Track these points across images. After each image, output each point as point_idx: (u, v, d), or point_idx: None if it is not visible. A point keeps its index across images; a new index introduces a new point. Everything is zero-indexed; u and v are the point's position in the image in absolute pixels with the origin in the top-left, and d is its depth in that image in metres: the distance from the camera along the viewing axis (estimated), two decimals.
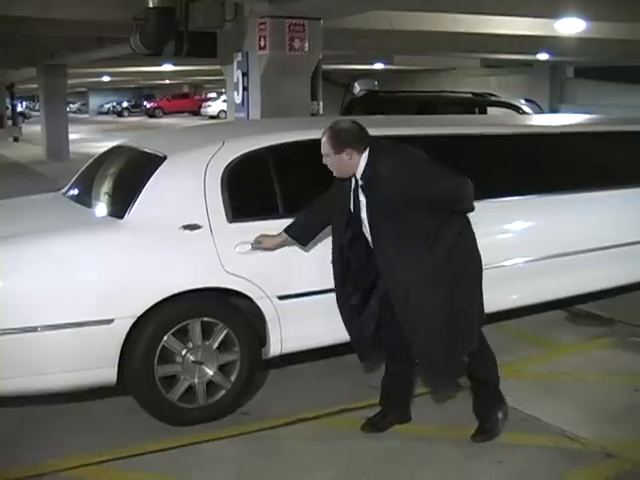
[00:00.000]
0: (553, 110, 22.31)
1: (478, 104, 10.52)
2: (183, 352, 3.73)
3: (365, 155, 3.31)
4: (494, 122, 6.33)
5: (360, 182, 3.34)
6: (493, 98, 11.21)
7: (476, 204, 3.43)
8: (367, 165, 3.30)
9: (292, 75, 7.49)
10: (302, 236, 3.76)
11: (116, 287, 3.55)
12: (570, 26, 11.23)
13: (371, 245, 3.42)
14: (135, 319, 3.55)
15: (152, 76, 31.09)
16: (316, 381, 4.01)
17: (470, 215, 3.44)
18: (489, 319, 3.75)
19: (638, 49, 13.74)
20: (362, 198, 3.36)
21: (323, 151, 3.34)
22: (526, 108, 11.26)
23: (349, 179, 3.41)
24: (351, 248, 3.50)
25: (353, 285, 3.55)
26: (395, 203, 3.22)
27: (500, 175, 4.68)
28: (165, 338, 3.65)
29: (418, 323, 3.32)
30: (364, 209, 3.36)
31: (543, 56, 17.56)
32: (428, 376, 3.68)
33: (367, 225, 3.37)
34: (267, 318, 3.88)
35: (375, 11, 9.20)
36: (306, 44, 7.46)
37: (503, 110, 10.69)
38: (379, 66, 23.93)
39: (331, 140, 3.31)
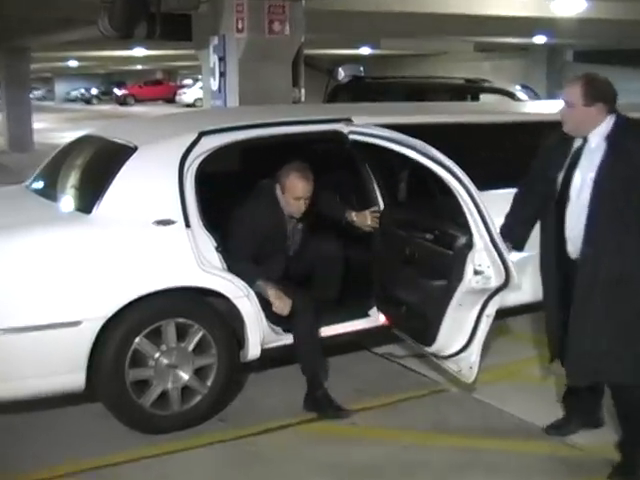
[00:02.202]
0: (551, 96, 22.45)
1: (470, 91, 10.57)
2: (156, 355, 3.74)
3: (611, 118, 3.24)
4: (486, 110, 6.38)
5: (598, 144, 3.22)
6: (486, 84, 11.27)
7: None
8: (615, 127, 3.22)
9: (272, 60, 7.48)
10: (523, 241, 3.65)
11: (84, 287, 3.54)
12: (569, 6, 11.28)
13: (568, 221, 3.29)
14: (105, 321, 3.55)
15: (123, 61, 30.97)
16: (299, 384, 4.03)
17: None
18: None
19: None
20: (586, 162, 3.25)
21: (567, 98, 3.26)
22: (522, 95, 11.33)
23: (571, 140, 3.32)
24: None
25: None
26: (629, 178, 3.12)
27: (491, 166, 4.72)
28: (137, 340, 3.66)
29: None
30: (583, 174, 3.24)
31: (540, 39, 17.65)
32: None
33: (584, 195, 3.21)
34: (246, 318, 3.90)
35: None
36: (287, 27, 7.45)
37: (497, 97, 10.74)
38: (365, 51, 23.98)
39: (584, 89, 3.21)
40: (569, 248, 3.34)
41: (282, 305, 3.90)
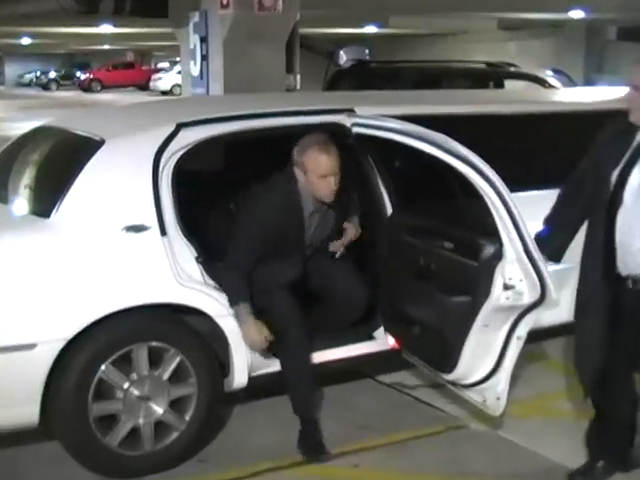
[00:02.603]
0: (589, 82, 22.52)
1: (493, 76, 10.64)
2: (125, 385, 3.73)
3: None
4: (513, 99, 6.40)
5: None
6: (512, 69, 11.34)
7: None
8: None
9: (262, 41, 7.53)
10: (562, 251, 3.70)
11: (40, 303, 3.55)
12: None
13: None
14: (64, 343, 3.55)
15: (87, 40, 31.02)
16: (292, 418, 4.03)
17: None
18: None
19: None
20: None
21: (636, 81, 3.27)
22: (553, 81, 11.39)
23: (633, 133, 3.33)
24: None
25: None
26: None
27: (520, 164, 4.76)
28: (102, 368, 3.65)
29: None
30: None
31: (577, 14, 17.64)
32: None
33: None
34: (230, 341, 3.91)
35: None
36: (279, 2, 7.51)
37: (524, 83, 10.80)
38: (371, 30, 24.10)
39: None
40: (618, 263, 3.33)
41: (253, 341, 3.88)
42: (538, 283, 3.60)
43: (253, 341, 3.87)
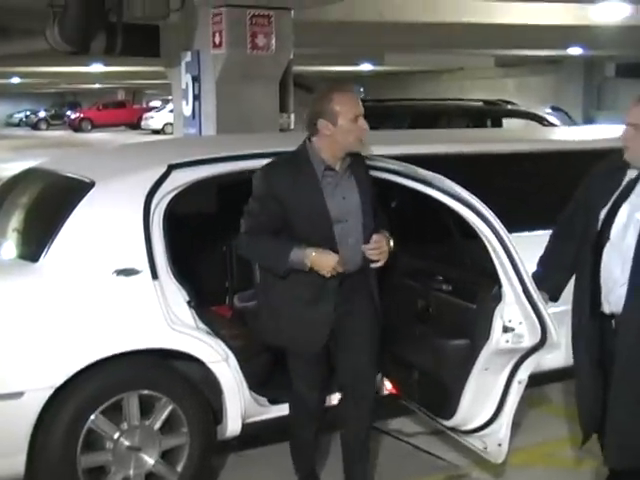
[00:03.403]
0: (588, 120, 22.70)
1: (491, 115, 10.72)
2: (115, 436, 3.71)
3: None
4: (511, 137, 6.45)
5: None
6: (510, 107, 11.43)
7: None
8: None
9: (255, 80, 7.58)
10: (560, 290, 3.71)
11: (28, 350, 3.53)
12: (611, 12, 11.45)
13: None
14: (52, 392, 3.53)
15: (77, 78, 31.24)
16: (288, 467, 4.00)
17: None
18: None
19: None
20: (637, 197, 3.30)
21: (633, 120, 3.30)
22: (552, 119, 11.48)
23: (623, 170, 3.37)
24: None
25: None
26: None
27: (521, 204, 4.78)
28: (92, 417, 3.63)
29: None
30: (631, 210, 3.28)
31: (575, 50, 17.84)
32: None
33: (629, 237, 3.26)
34: (224, 387, 3.89)
35: None
36: (273, 41, 7.57)
37: (523, 122, 10.88)
38: (366, 67, 24.31)
39: None
40: (603, 301, 3.36)
41: (337, 266, 3.54)
42: (538, 325, 3.60)
43: (331, 267, 3.55)
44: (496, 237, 3.60)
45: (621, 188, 3.35)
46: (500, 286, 3.67)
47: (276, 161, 3.74)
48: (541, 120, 10.91)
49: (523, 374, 3.80)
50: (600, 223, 3.35)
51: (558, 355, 4.06)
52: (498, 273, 3.65)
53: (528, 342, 3.68)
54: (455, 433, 4.08)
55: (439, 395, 3.98)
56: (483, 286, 3.78)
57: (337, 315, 3.69)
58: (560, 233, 3.67)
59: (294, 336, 3.71)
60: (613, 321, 3.35)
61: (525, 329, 3.64)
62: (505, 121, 10.80)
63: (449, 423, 4.00)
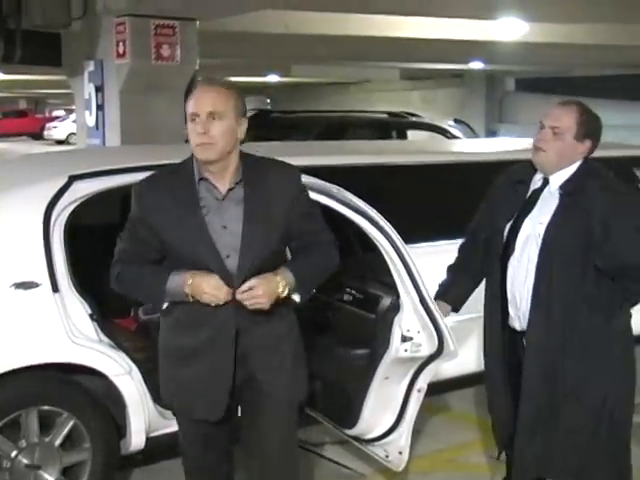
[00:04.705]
0: (490, 132, 23.29)
1: (395, 126, 10.90)
2: (13, 454, 3.63)
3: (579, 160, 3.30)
4: (413, 149, 6.58)
5: (556, 188, 3.29)
6: (414, 119, 11.64)
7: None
8: (578, 172, 3.29)
9: (160, 91, 7.55)
10: (462, 300, 3.75)
11: None
12: (509, 29, 11.81)
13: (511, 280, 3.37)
14: None
15: None
16: None
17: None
18: None
19: (601, 56, 14.41)
20: (539, 209, 3.31)
21: (554, 123, 3.25)
22: (455, 131, 11.75)
23: (526, 180, 3.39)
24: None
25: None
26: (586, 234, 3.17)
27: (425, 215, 4.88)
28: None
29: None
30: (533, 222, 3.30)
31: (477, 65, 18.34)
32: None
33: (530, 249, 3.29)
34: (127, 401, 3.85)
35: (267, 11, 9.43)
36: (178, 51, 7.56)
37: (427, 134, 11.08)
38: (273, 78, 24.38)
39: (582, 118, 3.24)
40: (513, 317, 3.41)
41: (219, 293, 2.83)
42: (435, 334, 3.68)
43: (218, 291, 2.83)
44: (393, 248, 3.67)
45: (525, 201, 3.37)
46: (398, 296, 3.75)
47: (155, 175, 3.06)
48: (444, 132, 11.16)
49: (422, 382, 3.87)
50: (505, 237, 3.38)
51: (464, 363, 4.17)
52: (396, 283, 3.72)
53: (426, 351, 3.76)
54: (358, 442, 4.13)
55: (341, 404, 4.02)
56: (381, 296, 3.84)
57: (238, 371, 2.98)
58: (466, 244, 3.73)
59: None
60: (524, 339, 3.38)
61: (423, 338, 3.72)
62: (410, 133, 10.98)
63: (352, 432, 4.05)
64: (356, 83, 27.43)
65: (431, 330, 3.68)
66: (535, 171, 3.38)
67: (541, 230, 3.26)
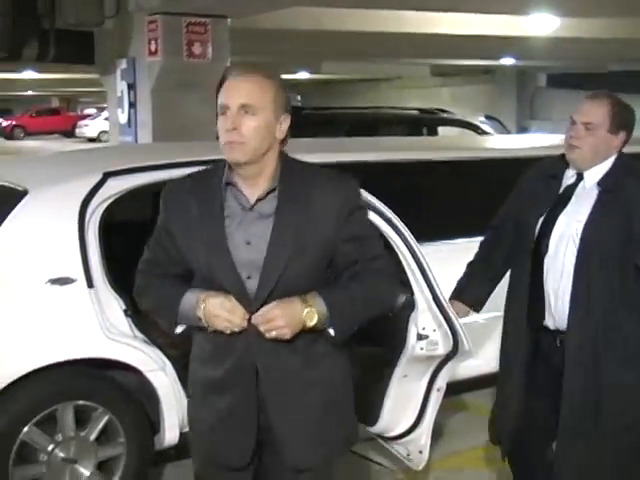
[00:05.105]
0: (522, 129, 23.12)
1: (426, 123, 10.87)
2: (49, 448, 3.66)
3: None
4: (446, 146, 6.55)
5: (594, 184, 3.19)
6: (445, 115, 11.59)
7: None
8: (614, 167, 3.20)
9: (192, 88, 7.57)
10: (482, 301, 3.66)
11: None
12: (542, 24, 11.74)
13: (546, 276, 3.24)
14: None
15: (8, 85, 30.69)
16: None
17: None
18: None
19: (635, 50, 14.29)
20: (575, 206, 3.20)
21: (586, 118, 3.15)
22: (486, 127, 11.69)
23: (558, 175, 3.30)
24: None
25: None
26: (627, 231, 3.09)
27: (454, 212, 4.86)
28: (25, 430, 3.58)
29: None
30: (569, 220, 3.19)
31: (508, 61, 18.23)
32: None
33: (578, 244, 3.16)
34: (161, 396, 3.87)
35: (299, 7, 9.43)
36: (209, 49, 7.59)
37: (458, 130, 11.04)
38: (303, 75, 24.39)
39: (614, 110, 3.16)
40: (547, 316, 3.27)
41: (233, 317, 2.40)
42: (450, 333, 3.66)
43: (233, 316, 2.39)
44: (406, 246, 3.64)
45: (558, 196, 3.27)
46: (413, 294, 3.72)
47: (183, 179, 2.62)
48: (475, 129, 11.10)
49: (441, 382, 3.85)
50: (537, 233, 3.26)
51: (484, 362, 4.13)
52: (410, 281, 3.69)
53: (442, 349, 3.74)
54: (383, 440, 4.11)
55: (362, 402, 4.01)
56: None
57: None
58: (488, 242, 3.61)
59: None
60: (558, 339, 3.26)
61: (439, 336, 3.70)
62: (441, 130, 10.94)
63: (374, 429, 4.02)
64: (387, 80, 27.37)
65: (445, 329, 3.65)
66: (567, 166, 3.28)
67: (579, 228, 3.15)
